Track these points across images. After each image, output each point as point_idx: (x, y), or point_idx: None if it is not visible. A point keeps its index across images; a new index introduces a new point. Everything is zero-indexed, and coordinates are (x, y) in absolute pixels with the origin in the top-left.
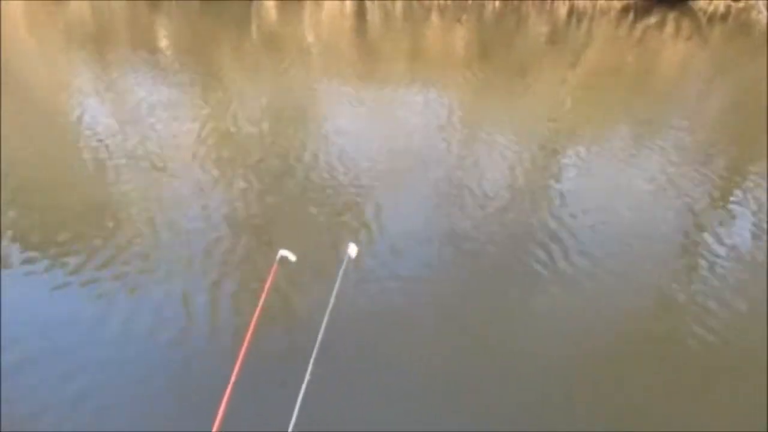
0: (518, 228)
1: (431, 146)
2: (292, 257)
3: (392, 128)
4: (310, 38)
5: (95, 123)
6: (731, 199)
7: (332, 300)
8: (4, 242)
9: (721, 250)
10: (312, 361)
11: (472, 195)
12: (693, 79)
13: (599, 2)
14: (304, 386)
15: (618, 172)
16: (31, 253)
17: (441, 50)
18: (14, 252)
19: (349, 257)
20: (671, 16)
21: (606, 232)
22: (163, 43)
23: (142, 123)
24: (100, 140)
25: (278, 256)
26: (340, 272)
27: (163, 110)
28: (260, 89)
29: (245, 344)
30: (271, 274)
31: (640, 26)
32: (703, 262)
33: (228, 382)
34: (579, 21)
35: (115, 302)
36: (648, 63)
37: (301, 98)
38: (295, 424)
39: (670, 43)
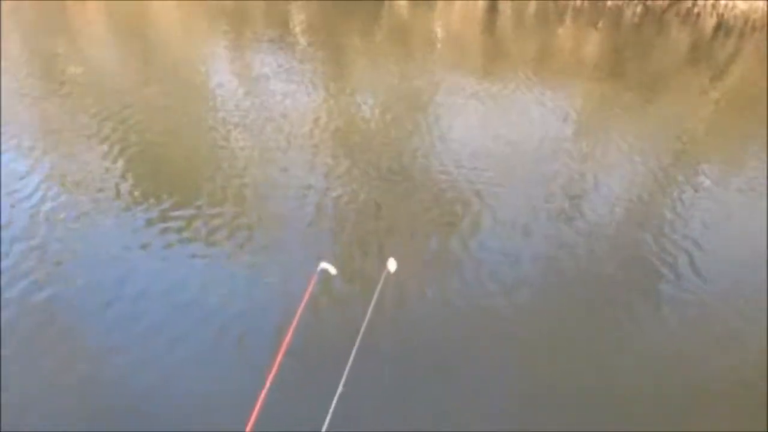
0: (627, 251)
1: (547, 153)
2: (333, 270)
3: (509, 130)
4: (438, 35)
5: (224, 99)
6: None
7: (369, 313)
8: (123, 201)
9: None
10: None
11: (582, 209)
12: None
13: (752, 17)
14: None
15: (744, 206)
16: (148, 211)
17: (571, 55)
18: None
19: (388, 272)
20: None
21: (725, 266)
22: (295, 32)
23: (264, 102)
24: (226, 115)
25: (318, 269)
26: (379, 285)
27: (286, 91)
28: (382, 79)
29: (282, 349)
30: (310, 285)
31: None
32: None
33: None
34: (726, 36)
35: (201, 264)
36: None
37: (421, 90)
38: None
39: None
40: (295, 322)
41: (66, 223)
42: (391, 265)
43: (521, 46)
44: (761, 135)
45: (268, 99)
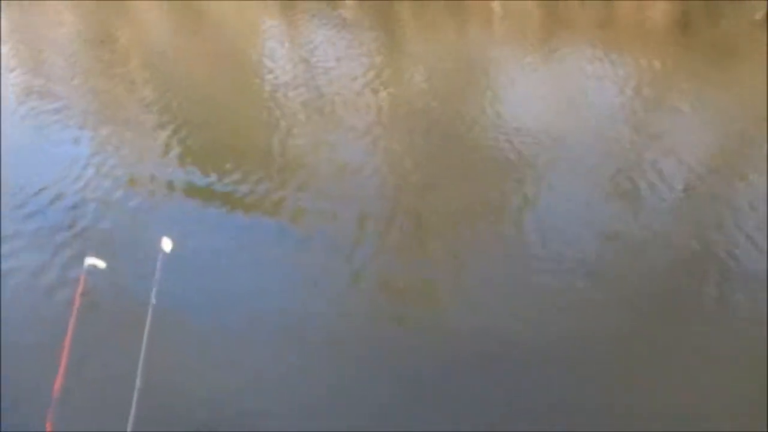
0: (695, 243)
1: (610, 125)
2: (102, 264)
3: (570, 100)
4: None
5: (276, 66)
6: None
7: (153, 299)
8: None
9: None
10: None
11: (646, 190)
12: None
13: None
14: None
15: None
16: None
17: (635, 19)
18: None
19: (164, 252)
20: None
21: None
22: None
23: (317, 70)
24: (277, 83)
25: (86, 265)
26: (158, 267)
27: (341, 60)
28: (440, 49)
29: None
30: (81, 284)
31: None
32: None
33: None
34: None
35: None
36: None
37: (478, 61)
38: None
39: None
40: (68, 336)
41: None
42: (166, 245)
43: (582, 11)
44: None
45: (320, 67)
